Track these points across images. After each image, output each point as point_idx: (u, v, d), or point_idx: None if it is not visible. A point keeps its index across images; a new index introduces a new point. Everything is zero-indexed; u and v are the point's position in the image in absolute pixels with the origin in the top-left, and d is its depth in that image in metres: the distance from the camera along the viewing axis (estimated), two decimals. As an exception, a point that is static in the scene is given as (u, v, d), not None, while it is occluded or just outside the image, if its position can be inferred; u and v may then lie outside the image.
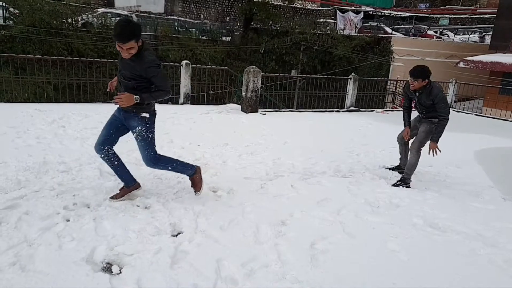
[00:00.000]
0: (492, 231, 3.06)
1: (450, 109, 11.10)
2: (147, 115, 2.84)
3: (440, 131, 3.83)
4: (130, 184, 3.08)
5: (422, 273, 2.41)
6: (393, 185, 4.00)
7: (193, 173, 3.16)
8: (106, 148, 2.90)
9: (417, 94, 3.93)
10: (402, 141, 4.32)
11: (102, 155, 2.93)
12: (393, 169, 4.48)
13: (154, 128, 2.94)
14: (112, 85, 3.05)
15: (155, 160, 2.97)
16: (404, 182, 3.99)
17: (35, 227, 2.53)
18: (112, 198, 3.03)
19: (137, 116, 2.81)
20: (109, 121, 2.94)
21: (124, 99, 2.63)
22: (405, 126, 4.27)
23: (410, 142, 4.20)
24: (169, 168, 3.07)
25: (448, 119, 3.82)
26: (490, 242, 2.87)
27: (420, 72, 3.79)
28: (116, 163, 2.96)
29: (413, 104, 4.21)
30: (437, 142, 3.84)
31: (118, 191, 3.08)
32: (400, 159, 4.47)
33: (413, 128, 4.21)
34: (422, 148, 4.04)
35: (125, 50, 2.55)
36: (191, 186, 3.21)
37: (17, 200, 2.90)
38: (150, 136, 2.89)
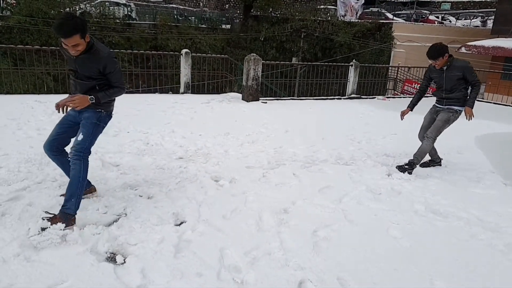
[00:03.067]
0: (493, 216, 3.07)
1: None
2: (102, 111, 2.65)
3: (474, 97, 3.89)
4: (86, 187, 2.76)
5: (423, 259, 2.42)
6: (398, 166, 3.98)
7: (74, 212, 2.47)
8: (55, 148, 2.67)
9: (444, 69, 3.89)
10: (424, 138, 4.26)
11: (51, 155, 2.70)
12: (425, 165, 4.34)
13: (101, 130, 2.69)
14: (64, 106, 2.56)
15: (83, 155, 2.53)
16: (411, 166, 3.96)
17: (39, 218, 2.54)
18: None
19: (93, 109, 2.59)
20: (61, 120, 2.70)
21: (77, 101, 2.44)
22: (407, 107, 4.24)
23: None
24: (80, 177, 2.50)
25: (479, 84, 3.85)
26: (491, 227, 2.88)
27: (436, 51, 3.79)
28: (67, 164, 2.65)
29: (433, 86, 4.13)
30: (472, 107, 3.88)
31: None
32: (429, 155, 4.34)
33: (431, 121, 4.13)
34: (437, 138, 3.99)
35: (70, 47, 2.35)
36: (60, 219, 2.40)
37: (20, 192, 2.91)
38: (92, 131, 2.58)
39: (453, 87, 3.89)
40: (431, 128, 4.01)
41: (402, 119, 4.29)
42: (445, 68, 3.89)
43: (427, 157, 4.37)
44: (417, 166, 4.00)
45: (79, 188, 2.50)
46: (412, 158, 4.03)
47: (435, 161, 4.34)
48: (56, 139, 2.68)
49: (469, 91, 3.93)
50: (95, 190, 2.95)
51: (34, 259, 2.15)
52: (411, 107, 4.23)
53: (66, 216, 2.40)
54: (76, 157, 2.50)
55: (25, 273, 2.04)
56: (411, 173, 3.95)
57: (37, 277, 2.02)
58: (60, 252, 2.23)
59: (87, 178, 2.63)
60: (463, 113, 3.96)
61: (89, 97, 2.49)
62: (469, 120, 3.92)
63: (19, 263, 2.10)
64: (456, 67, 3.83)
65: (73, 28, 2.31)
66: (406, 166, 3.98)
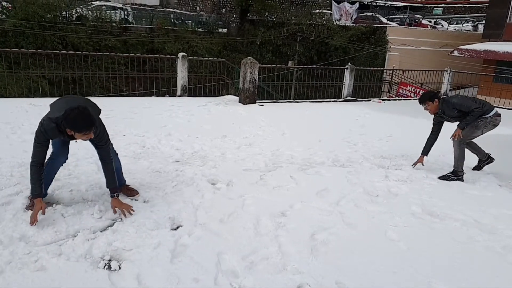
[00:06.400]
0: (489, 218, 3.07)
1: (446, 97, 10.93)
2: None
3: (469, 120, 3.87)
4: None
5: (421, 261, 2.41)
6: (441, 177, 3.95)
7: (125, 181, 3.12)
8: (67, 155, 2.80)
9: (442, 113, 3.98)
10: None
11: (61, 163, 2.80)
12: (477, 168, 4.33)
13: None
14: (38, 216, 2.50)
15: (114, 155, 2.92)
16: (456, 174, 3.96)
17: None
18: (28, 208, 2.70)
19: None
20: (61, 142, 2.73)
21: (120, 208, 2.66)
22: (421, 154, 4.19)
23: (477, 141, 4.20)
24: (117, 166, 2.96)
25: (477, 109, 3.83)
26: (487, 229, 2.88)
27: (421, 96, 4.02)
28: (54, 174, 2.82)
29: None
30: (462, 129, 3.91)
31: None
32: (477, 155, 4.32)
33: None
34: (466, 141, 4.00)
35: (86, 136, 2.43)
36: (129, 195, 3.02)
37: (12, 197, 2.86)
38: (107, 136, 2.77)
39: (462, 118, 3.91)
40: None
41: (414, 167, 4.20)
42: (441, 112, 3.97)
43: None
44: (463, 172, 3.96)
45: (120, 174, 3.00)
46: (453, 167, 4.01)
47: (483, 160, 4.26)
48: (67, 148, 2.79)
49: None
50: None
51: (27, 266, 2.11)
52: (425, 153, 4.17)
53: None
54: (112, 157, 2.77)
55: (16, 281, 1.99)
56: (462, 180, 3.92)
57: (29, 285, 1.97)
58: (54, 258, 2.19)
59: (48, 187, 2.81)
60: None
61: (115, 195, 2.70)
62: (452, 138, 3.96)
63: (11, 271, 2.06)
64: (448, 108, 3.91)
65: (94, 119, 2.43)
66: (449, 174, 3.98)
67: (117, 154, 3.03)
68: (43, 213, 2.50)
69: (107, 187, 2.73)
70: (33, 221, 2.45)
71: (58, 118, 2.40)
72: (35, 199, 2.49)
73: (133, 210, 2.72)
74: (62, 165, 2.84)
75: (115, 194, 2.69)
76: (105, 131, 2.68)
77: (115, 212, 2.66)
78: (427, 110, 3.99)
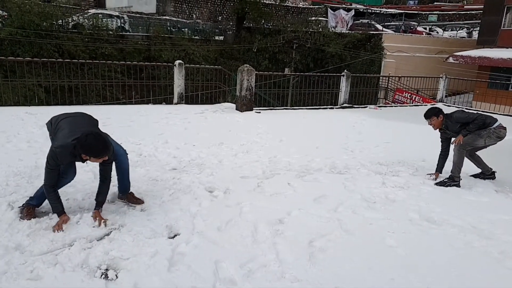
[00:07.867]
0: (486, 223, 3.08)
1: (442, 103, 10.92)
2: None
3: (471, 128, 3.94)
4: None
5: (419, 267, 2.41)
6: (438, 183, 3.99)
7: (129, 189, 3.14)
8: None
9: (445, 129, 4.06)
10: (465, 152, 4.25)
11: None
12: (475, 176, 4.37)
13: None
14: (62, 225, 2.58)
15: (125, 155, 3.00)
16: (452, 180, 3.99)
17: (27, 234, 2.48)
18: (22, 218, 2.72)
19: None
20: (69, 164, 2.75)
21: (101, 220, 2.66)
22: (435, 171, 4.20)
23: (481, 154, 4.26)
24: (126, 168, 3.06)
25: (480, 117, 3.92)
26: (485, 234, 2.89)
27: (426, 112, 4.09)
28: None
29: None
30: (464, 136, 3.98)
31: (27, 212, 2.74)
32: (481, 169, 4.34)
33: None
34: (466, 148, 4.03)
35: (102, 160, 2.54)
36: (131, 203, 3.06)
37: (7, 206, 2.83)
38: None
39: (465, 131, 3.96)
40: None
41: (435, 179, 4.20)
42: (446, 129, 4.05)
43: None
44: (459, 178, 3.98)
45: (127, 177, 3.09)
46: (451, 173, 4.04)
47: (487, 174, 4.27)
48: (75, 165, 2.80)
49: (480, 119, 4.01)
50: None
51: (22, 276, 2.08)
52: (439, 170, 4.21)
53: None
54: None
55: (12, 291, 1.97)
56: (459, 186, 3.95)
57: (25, 295, 1.95)
58: (49, 268, 2.17)
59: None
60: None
61: (99, 210, 2.75)
62: (453, 143, 4.03)
63: (7, 281, 2.04)
64: (452, 123, 4.00)
65: (110, 145, 2.53)
66: (446, 180, 4.01)
67: (127, 154, 3.04)
68: (65, 222, 2.60)
69: (96, 199, 2.77)
70: (58, 229, 2.53)
71: (70, 145, 2.45)
72: (59, 216, 2.61)
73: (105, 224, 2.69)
74: (70, 182, 2.87)
75: (99, 208, 2.76)
76: (113, 150, 2.68)
77: (95, 220, 2.68)
78: (431, 125, 4.08)
